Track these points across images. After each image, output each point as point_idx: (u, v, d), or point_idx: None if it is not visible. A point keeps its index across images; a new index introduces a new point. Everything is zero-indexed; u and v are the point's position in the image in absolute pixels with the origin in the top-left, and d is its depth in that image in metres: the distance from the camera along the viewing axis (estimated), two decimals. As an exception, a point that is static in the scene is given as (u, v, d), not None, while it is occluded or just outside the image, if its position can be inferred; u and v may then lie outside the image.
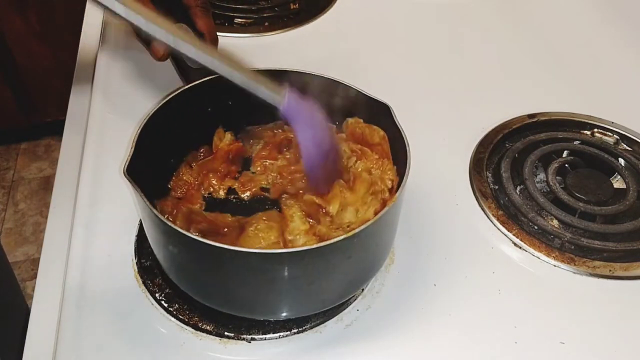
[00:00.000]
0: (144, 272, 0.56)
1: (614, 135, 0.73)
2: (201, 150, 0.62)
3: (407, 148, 0.51)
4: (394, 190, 0.56)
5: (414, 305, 0.55)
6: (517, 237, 0.60)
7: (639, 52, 0.89)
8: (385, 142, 0.58)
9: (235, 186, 0.61)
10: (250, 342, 0.52)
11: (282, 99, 0.51)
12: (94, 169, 0.66)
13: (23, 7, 1.71)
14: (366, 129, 0.59)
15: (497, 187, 0.66)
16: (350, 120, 0.61)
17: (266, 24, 0.91)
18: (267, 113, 0.63)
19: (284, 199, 0.58)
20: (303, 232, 0.53)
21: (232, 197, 0.60)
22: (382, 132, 0.58)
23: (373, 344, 0.52)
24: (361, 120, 0.60)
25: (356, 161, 0.59)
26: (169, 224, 0.44)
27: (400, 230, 0.56)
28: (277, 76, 0.60)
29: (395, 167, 0.57)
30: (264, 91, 0.51)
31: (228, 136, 0.62)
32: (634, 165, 0.69)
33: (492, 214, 0.63)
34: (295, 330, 0.52)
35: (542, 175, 0.67)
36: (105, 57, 0.82)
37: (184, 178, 0.59)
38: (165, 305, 0.54)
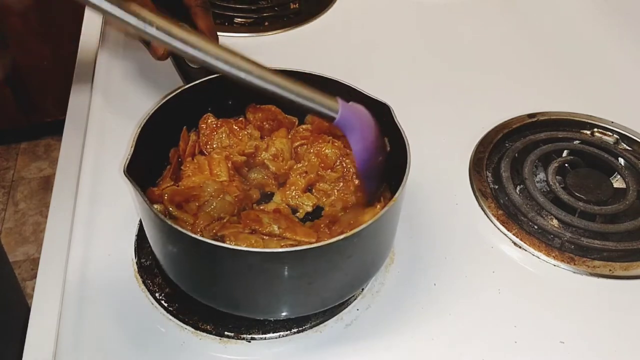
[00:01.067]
0: (144, 271, 0.56)
1: (614, 135, 0.73)
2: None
3: (407, 148, 0.51)
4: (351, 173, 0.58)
5: (414, 304, 0.55)
6: (517, 237, 0.60)
7: (639, 52, 0.89)
8: None
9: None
10: (250, 341, 0.52)
11: (336, 110, 0.48)
12: (94, 168, 0.66)
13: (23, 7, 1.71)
14: None
15: (497, 187, 0.66)
16: None
17: (266, 23, 0.91)
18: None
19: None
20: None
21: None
22: None
23: (373, 344, 0.52)
24: None
25: (305, 145, 0.61)
26: (169, 223, 0.44)
27: (400, 230, 0.56)
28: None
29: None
30: (316, 105, 0.48)
31: (193, 137, 0.60)
32: (633, 164, 0.69)
33: (492, 214, 0.63)
34: (295, 330, 0.52)
35: (542, 175, 0.67)
36: (105, 56, 0.82)
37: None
38: (165, 304, 0.54)
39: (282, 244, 0.50)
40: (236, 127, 0.61)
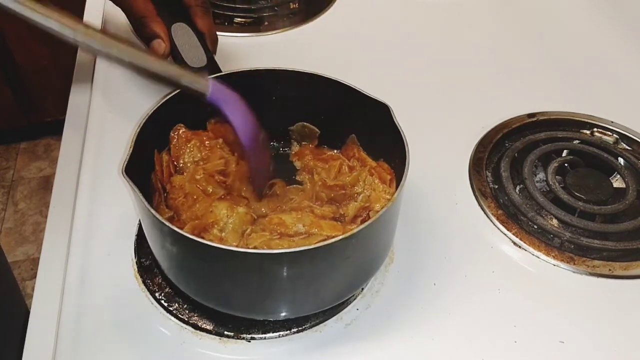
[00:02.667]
0: (144, 271, 0.56)
1: (614, 135, 0.73)
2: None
3: (406, 147, 0.51)
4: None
5: (413, 304, 0.55)
6: (517, 237, 0.60)
7: (639, 52, 0.89)
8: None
9: None
10: (249, 341, 0.52)
11: (207, 86, 0.52)
12: (93, 168, 0.66)
13: (23, 7, 1.71)
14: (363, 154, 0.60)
15: (496, 187, 0.66)
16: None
17: (266, 23, 0.91)
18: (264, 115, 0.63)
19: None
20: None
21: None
22: (374, 163, 0.59)
23: (373, 343, 0.52)
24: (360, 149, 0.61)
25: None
26: (167, 224, 0.44)
27: (400, 230, 0.56)
28: (275, 75, 0.60)
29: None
30: (188, 81, 0.52)
31: (165, 157, 0.58)
32: (633, 164, 0.69)
33: (492, 214, 0.63)
34: (295, 330, 0.52)
35: (541, 175, 0.67)
36: (105, 56, 0.82)
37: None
38: (165, 304, 0.54)
39: (315, 241, 0.50)
40: (206, 140, 0.60)
